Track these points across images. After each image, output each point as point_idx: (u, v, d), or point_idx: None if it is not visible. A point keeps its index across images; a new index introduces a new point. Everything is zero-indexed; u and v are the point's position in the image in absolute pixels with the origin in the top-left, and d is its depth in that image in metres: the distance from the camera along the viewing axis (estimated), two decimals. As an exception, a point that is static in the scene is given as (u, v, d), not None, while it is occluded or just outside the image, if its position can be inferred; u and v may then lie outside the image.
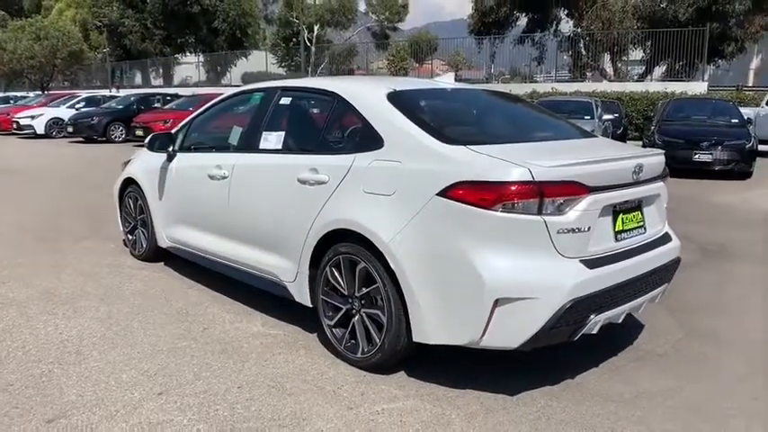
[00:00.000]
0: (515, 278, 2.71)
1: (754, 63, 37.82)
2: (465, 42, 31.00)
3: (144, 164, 5.20)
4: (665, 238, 3.39)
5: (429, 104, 3.51)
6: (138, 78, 40.39)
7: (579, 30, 27.59)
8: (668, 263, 3.35)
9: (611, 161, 3.03)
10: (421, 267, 2.89)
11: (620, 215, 3.06)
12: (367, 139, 3.29)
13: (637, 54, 29.66)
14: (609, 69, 29.33)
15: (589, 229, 2.85)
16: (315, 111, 4.13)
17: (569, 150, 3.31)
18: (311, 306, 3.60)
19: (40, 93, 32.41)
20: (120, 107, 18.68)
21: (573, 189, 2.79)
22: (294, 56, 38.77)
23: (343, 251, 3.26)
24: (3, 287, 4.62)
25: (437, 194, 2.86)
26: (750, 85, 31.27)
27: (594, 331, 2.96)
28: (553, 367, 3.30)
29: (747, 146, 11.23)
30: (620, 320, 3.12)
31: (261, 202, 3.85)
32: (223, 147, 4.38)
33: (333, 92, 3.63)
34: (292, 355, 3.46)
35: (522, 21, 29.26)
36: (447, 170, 2.87)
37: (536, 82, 27.53)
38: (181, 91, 25.86)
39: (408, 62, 35.53)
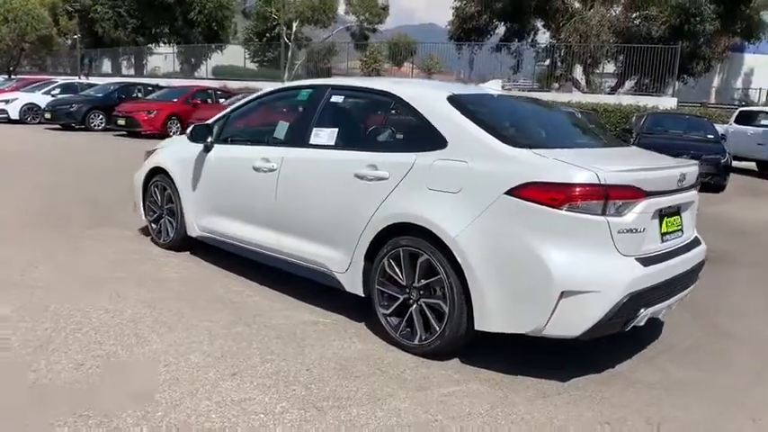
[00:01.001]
0: (580, 273, 2.94)
1: (716, 81, 39.43)
2: (444, 47, 31.39)
3: (175, 154, 5.27)
4: (696, 242, 3.68)
5: (485, 108, 3.71)
6: (108, 67, 39.51)
7: (555, 41, 28.31)
8: (698, 264, 3.64)
9: (663, 169, 3.29)
10: (487, 260, 3.09)
11: (665, 218, 3.33)
12: (429, 139, 3.48)
13: (609, 67, 30.61)
14: (582, 81, 30.16)
15: (644, 230, 3.10)
16: (370, 110, 4.29)
17: (620, 157, 3.57)
18: (363, 296, 3.77)
19: (6, 77, 31.41)
20: (100, 95, 18.33)
21: (632, 193, 3.04)
22: (267, 51, 38.57)
23: (403, 244, 3.45)
24: (35, 271, 4.63)
25: (505, 193, 3.07)
26: (712, 102, 32.62)
27: (642, 324, 3.22)
28: (592, 358, 3.54)
29: (723, 160, 11.82)
30: (660, 316, 3.39)
31: (312, 194, 3.99)
32: (267, 140, 4.51)
33: (392, 93, 3.81)
34: (347, 342, 3.62)
35: (502, 29, 29.79)
36: (515, 171, 3.09)
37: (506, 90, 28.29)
38: (152, 81, 25.53)
39: (380, 64, 35.81)
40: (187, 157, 5.06)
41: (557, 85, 29.28)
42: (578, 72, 30.29)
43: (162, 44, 36.26)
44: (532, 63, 29.85)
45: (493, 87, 4.19)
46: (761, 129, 16.05)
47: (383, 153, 3.67)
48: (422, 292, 3.42)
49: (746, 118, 17.10)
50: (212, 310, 4.03)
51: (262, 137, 4.67)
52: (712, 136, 13.01)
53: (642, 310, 3.12)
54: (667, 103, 22.57)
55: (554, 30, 28.89)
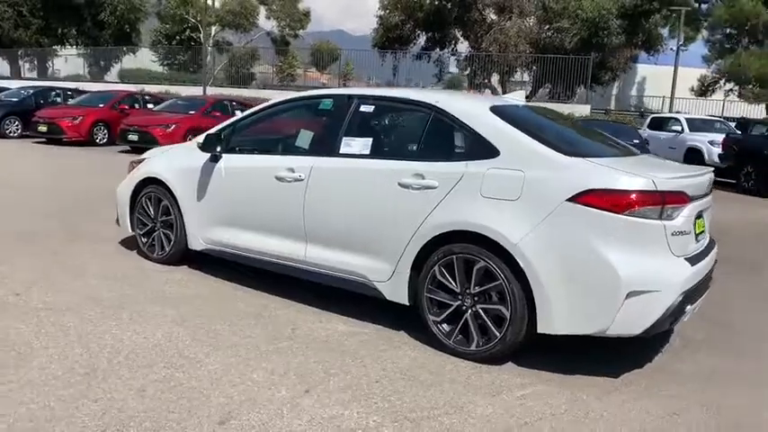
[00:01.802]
0: (643, 273, 3.13)
1: (615, 90, 42.32)
2: (365, 54, 31.67)
3: (173, 164, 5.04)
4: (712, 242, 3.99)
5: (524, 119, 3.84)
6: (5, 69, 36.67)
7: (474, 50, 29.38)
8: (715, 263, 3.95)
9: (697, 176, 3.56)
10: (551, 265, 3.22)
11: (696, 221, 3.60)
12: (478, 148, 3.56)
13: (523, 76, 32.14)
14: (499, 88, 31.45)
15: (689, 231, 3.35)
16: (407, 120, 4.30)
17: (656, 164, 3.81)
18: (408, 304, 3.79)
19: None
20: (15, 100, 16.94)
21: (682, 198, 3.27)
22: (178, 54, 37.30)
23: (457, 251, 3.50)
24: (32, 291, 4.27)
25: (567, 200, 3.21)
26: (612, 109, 34.95)
27: (686, 320, 3.46)
28: (625, 353, 3.74)
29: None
30: (694, 311, 3.65)
31: (348, 204, 3.96)
32: (287, 149, 4.42)
33: (431, 104, 3.86)
34: (399, 351, 3.62)
35: (424, 38, 30.52)
36: (575, 179, 3.23)
37: None
38: (62, 85, 23.93)
39: (294, 69, 35.57)
40: (189, 167, 4.85)
41: (470, 92, 30.51)
42: (495, 80, 31.60)
43: (68, 46, 34.11)
44: (456, 71, 30.79)
45: (516, 98, 4.34)
46: (671, 134, 17.43)
47: (429, 162, 3.70)
48: (477, 299, 3.49)
49: (658, 124, 18.52)
50: (245, 325, 3.89)
51: (279, 146, 4.58)
52: (638, 141, 13.98)
53: (688, 307, 3.36)
54: (582, 110, 23.99)
55: (473, 39, 29.98)
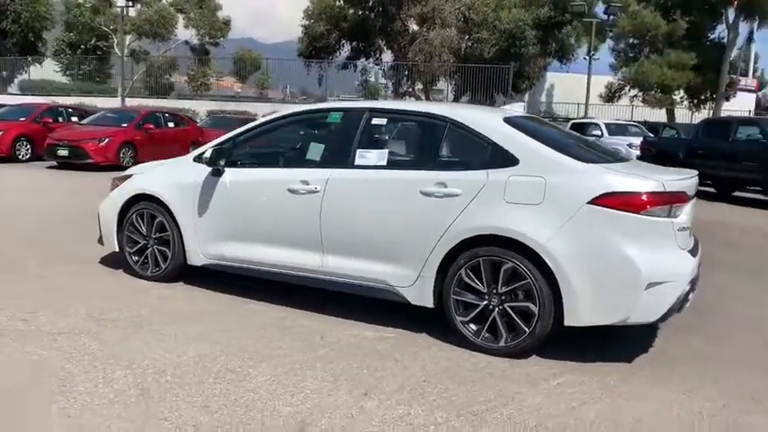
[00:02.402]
0: (659, 266, 3.48)
1: (527, 96, 44.49)
2: (290, 63, 31.57)
3: (168, 179, 4.97)
4: (696, 237, 4.44)
5: (533, 129, 4.13)
6: None
7: (399, 60, 30.03)
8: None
9: (691, 178, 3.96)
10: (576, 262, 3.51)
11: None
12: (497, 157, 3.81)
13: (443, 84, 33.10)
14: (422, 96, 32.28)
15: (689, 227, 3.75)
16: (423, 132, 4.46)
17: (653, 169, 4.20)
18: (432, 307, 3.98)
19: None
20: None
21: (684, 197, 3.67)
22: (83, 64, 35.60)
23: (483, 254, 3.74)
24: (38, 317, 4.10)
25: (588, 203, 3.52)
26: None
27: (688, 306, 3.86)
28: (628, 340, 4.10)
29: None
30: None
31: (368, 214, 4.10)
32: (295, 162, 4.51)
33: (445, 116, 4.08)
34: (430, 352, 3.79)
35: (349, 48, 30.84)
36: (594, 183, 3.56)
37: None
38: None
39: (208, 78, 34.78)
40: (187, 182, 4.82)
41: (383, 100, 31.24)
42: (417, 88, 32.42)
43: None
44: (383, 81, 31.32)
45: (516, 110, 4.64)
46: (592, 137, 18.63)
47: (450, 171, 3.92)
48: (503, 298, 3.73)
49: (578, 128, 19.72)
50: (273, 338, 3.94)
51: (287, 159, 4.64)
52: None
53: (691, 295, 3.76)
54: (505, 117, 25.17)
55: (397, 49, 30.62)
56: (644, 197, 3.50)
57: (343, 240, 4.21)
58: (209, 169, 4.74)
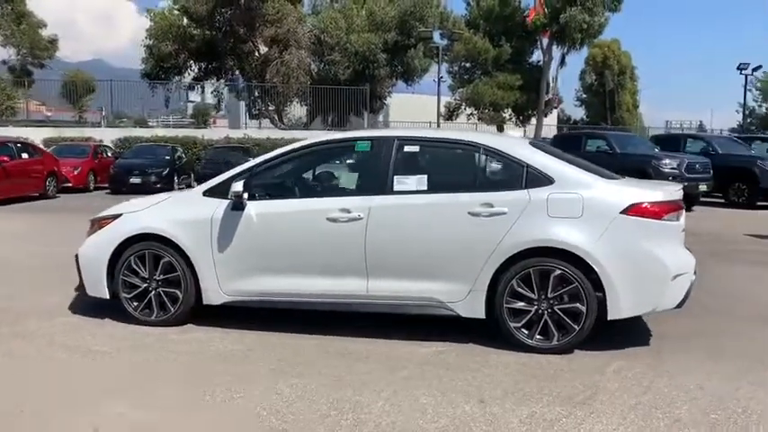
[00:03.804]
0: (678, 261, 4.21)
1: (381, 116, 46.34)
2: (130, 85, 29.63)
3: (176, 216, 4.74)
4: None
5: (553, 152, 4.68)
6: None
7: (252, 81, 29.67)
8: None
9: (679, 190, 4.73)
10: (616, 264, 4.11)
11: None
12: (534, 178, 4.29)
13: (297, 105, 33.31)
14: (276, 117, 32.19)
15: (684, 229, 4.55)
16: (457, 157, 4.74)
17: (653, 183, 4.95)
18: (483, 318, 4.33)
19: None
20: None
21: (681, 205, 4.44)
22: None
23: (533, 264, 4.19)
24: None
25: (620, 213, 4.15)
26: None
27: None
28: (630, 326, 4.80)
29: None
30: None
31: (417, 237, 4.34)
32: (329, 191, 4.64)
33: (477, 143, 4.48)
34: (492, 358, 4.13)
35: (197, 68, 29.79)
36: (622, 196, 4.21)
37: (151, 127, 28.60)
38: None
39: (14, 101, 31.42)
40: (202, 218, 4.66)
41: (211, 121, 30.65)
42: (271, 109, 32.27)
43: None
44: (234, 101, 30.67)
45: (514, 135, 5.15)
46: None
47: (493, 192, 4.32)
48: (552, 302, 4.21)
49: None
50: (344, 365, 4.00)
51: (316, 189, 4.69)
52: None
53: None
54: (365, 136, 26.15)
55: (249, 71, 30.24)
56: (662, 206, 4.21)
57: (390, 263, 4.40)
58: (227, 203, 4.63)
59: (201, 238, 4.65)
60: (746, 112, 34.39)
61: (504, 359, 4.12)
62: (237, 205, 4.60)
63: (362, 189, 4.53)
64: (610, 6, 33.08)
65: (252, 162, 4.81)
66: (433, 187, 4.45)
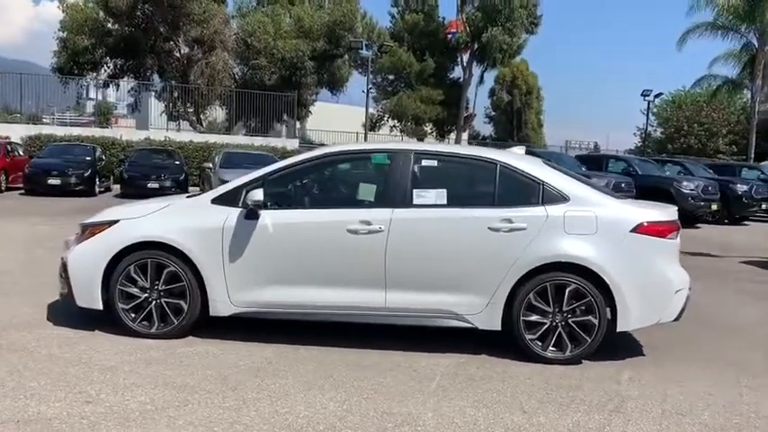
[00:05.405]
0: (678, 276, 4.55)
1: (307, 123, 45.96)
2: (43, 80, 27.57)
3: (185, 224, 4.52)
4: None
5: (563, 169, 4.90)
6: None
7: (172, 81, 28.53)
8: None
9: (676, 211, 5.09)
10: (626, 279, 4.37)
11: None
12: (551, 195, 4.48)
13: (218, 109, 32.40)
14: (195, 120, 31.12)
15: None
16: (475, 173, 4.81)
17: (652, 204, 5.22)
18: (499, 329, 4.46)
19: None
20: None
21: (678, 225, 4.79)
22: None
23: (550, 279, 4.37)
24: (102, 394, 3.47)
25: (630, 231, 4.43)
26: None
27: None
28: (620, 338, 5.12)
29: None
30: None
31: (437, 250, 4.40)
32: (345, 202, 4.63)
33: (494, 159, 4.62)
34: (513, 368, 4.26)
35: (119, 63, 28.24)
36: (631, 215, 4.48)
37: (44, 123, 26.99)
38: None
39: None
40: (212, 226, 4.48)
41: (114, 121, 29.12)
42: (190, 111, 31.17)
43: None
44: (153, 101, 29.36)
45: (518, 152, 5.31)
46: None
47: (512, 208, 4.45)
48: (566, 315, 4.41)
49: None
50: (370, 377, 3.99)
51: (333, 200, 4.64)
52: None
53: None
54: (292, 144, 25.98)
55: (169, 71, 29.08)
56: (665, 225, 4.54)
57: (409, 276, 4.42)
58: (239, 211, 4.49)
59: (212, 247, 4.46)
60: (644, 136, 37.24)
61: (521, 370, 4.26)
62: (251, 214, 4.47)
63: (381, 201, 4.54)
64: (528, 29, 34.92)
65: (263, 170, 4.67)
66: (452, 201, 4.54)
